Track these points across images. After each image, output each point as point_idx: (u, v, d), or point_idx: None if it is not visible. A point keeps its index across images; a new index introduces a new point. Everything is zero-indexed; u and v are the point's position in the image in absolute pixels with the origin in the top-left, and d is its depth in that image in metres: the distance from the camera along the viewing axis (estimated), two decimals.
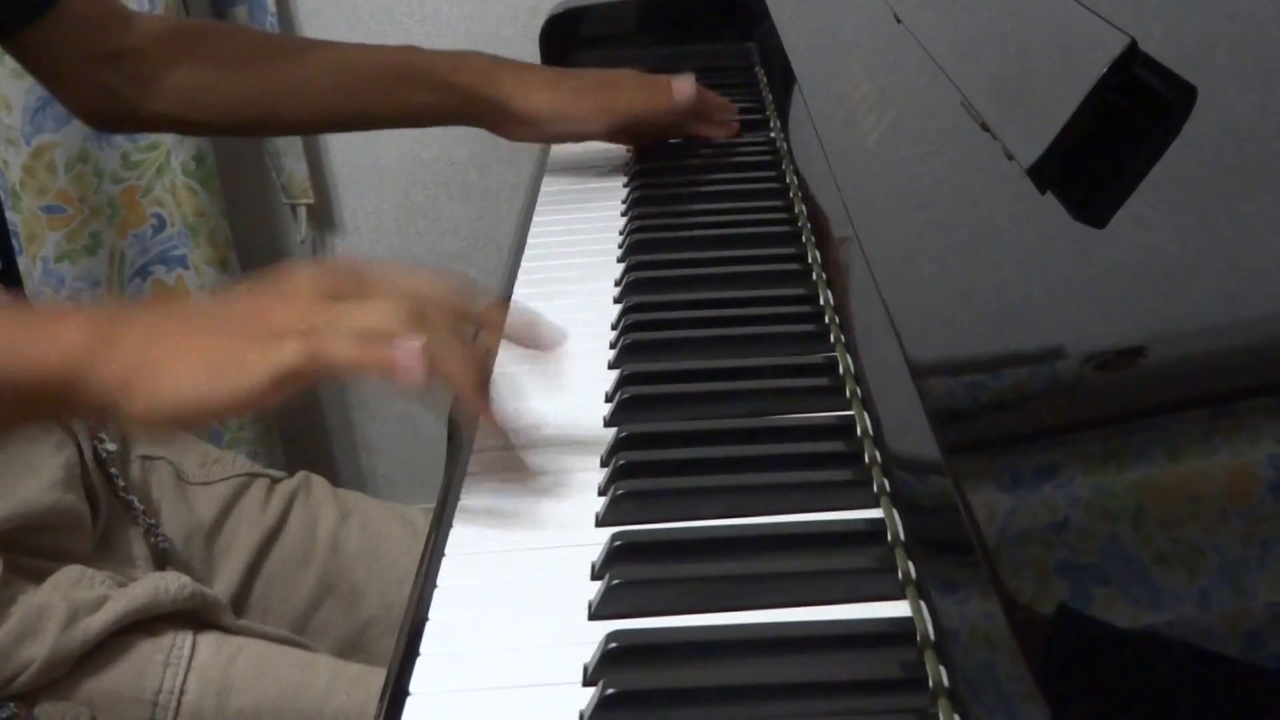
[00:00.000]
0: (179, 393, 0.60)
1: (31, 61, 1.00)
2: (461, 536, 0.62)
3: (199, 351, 0.60)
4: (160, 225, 1.75)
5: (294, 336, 0.59)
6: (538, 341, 0.67)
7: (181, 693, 0.80)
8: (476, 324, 0.65)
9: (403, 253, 1.89)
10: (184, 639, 0.82)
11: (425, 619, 0.57)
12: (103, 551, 0.89)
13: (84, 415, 0.64)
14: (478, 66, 1.03)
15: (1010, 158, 0.62)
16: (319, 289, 0.62)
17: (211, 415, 0.64)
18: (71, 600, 0.79)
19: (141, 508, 0.92)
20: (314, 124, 1.26)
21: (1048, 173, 0.58)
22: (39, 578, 0.81)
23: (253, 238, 1.88)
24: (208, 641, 0.83)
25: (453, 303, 0.64)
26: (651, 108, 1.06)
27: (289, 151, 1.79)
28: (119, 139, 1.71)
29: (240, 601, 0.95)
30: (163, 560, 0.92)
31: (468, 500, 0.65)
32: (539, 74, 1.08)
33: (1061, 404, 0.51)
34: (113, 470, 0.92)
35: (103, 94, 1.02)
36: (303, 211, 1.86)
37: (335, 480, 1.07)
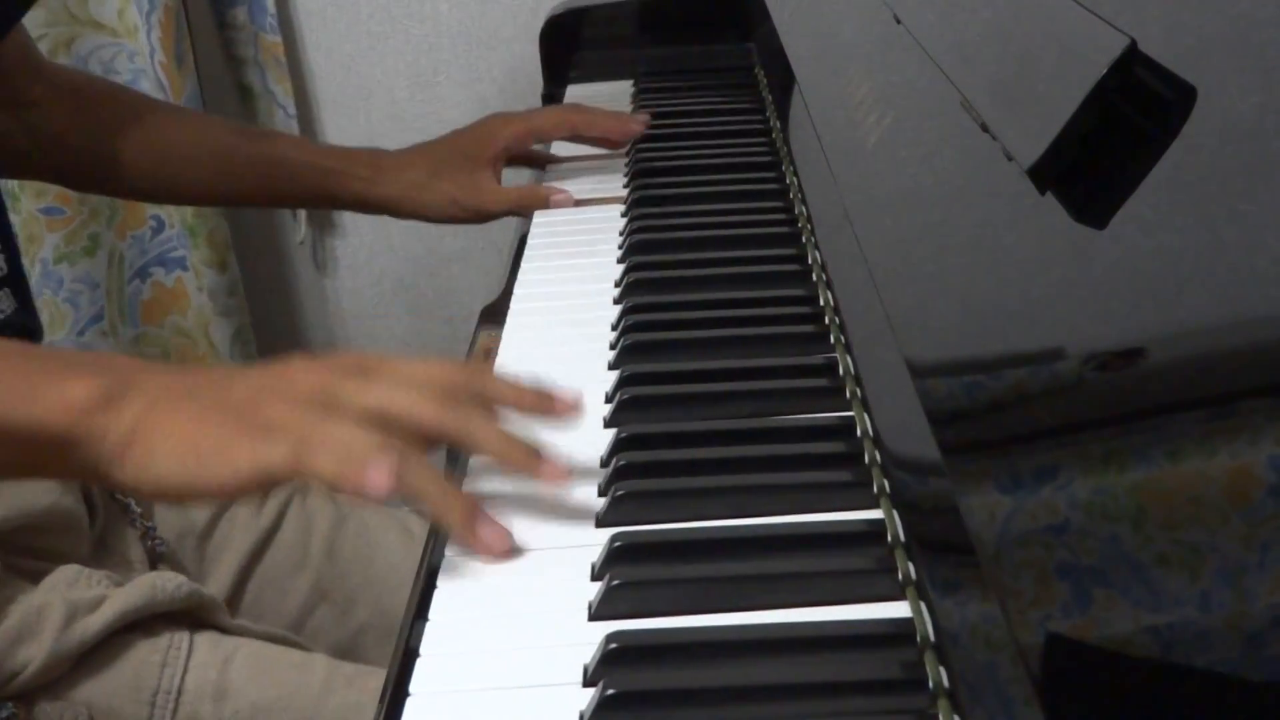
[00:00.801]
0: (167, 473, 0.61)
1: None
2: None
3: (192, 433, 0.61)
4: (159, 227, 1.75)
5: (283, 439, 0.60)
6: (553, 412, 0.66)
7: (179, 692, 0.80)
8: (493, 402, 0.65)
9: (403, 253, 1.89)
10: (181, 638, 0.82)
11: (425, 619, 0.57)
12: (99, 554, 0.89)
13: (74, 475, 0.63)
14: (357, 172, 1.08)
15: (1010, 158, 0.62)
16: (321, 388, 0.62)
17: (194, 498, 0.65)
18: (69, 600, 0.79)
19: (139, 510, 0.92)
20: (192, 197, 1.29)
21: (1048, 173, 0.58)
22: (36, 578, 0.81)
23: (252, 239, 1.88)
24: (204, 641, 0.83)
25: (464, 386, 0.64)
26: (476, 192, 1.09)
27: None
28: None
29: (233, 605, 0.95)
30: (158, 562, 0.92)
31: None
32: (392, 161, 1.10)
33: (1061, 405, 0.51)
34: None
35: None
36: (302, 213, 1.86)
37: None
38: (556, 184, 1.08)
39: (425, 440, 0.62)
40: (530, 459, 0.62)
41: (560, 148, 1.17)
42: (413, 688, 0.53)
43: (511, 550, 0.60)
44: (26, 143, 1.03)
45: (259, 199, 1.18)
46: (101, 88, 1.11)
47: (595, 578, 0.58)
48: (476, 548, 0.60)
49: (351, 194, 1.09)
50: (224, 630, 0.85)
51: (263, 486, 0.61)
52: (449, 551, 0.61)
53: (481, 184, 1.07)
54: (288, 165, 1.09)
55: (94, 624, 0.78)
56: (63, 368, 0.64)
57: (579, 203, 1.05)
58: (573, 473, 0.64)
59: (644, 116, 1.14)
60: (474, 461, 0.68)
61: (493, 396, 0.65)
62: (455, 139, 1.10)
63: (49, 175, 1.15)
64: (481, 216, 1.09)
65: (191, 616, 0.84)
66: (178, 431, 0.61)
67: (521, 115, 1.13)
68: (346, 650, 0.97)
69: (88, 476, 0.64)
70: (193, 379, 0.64)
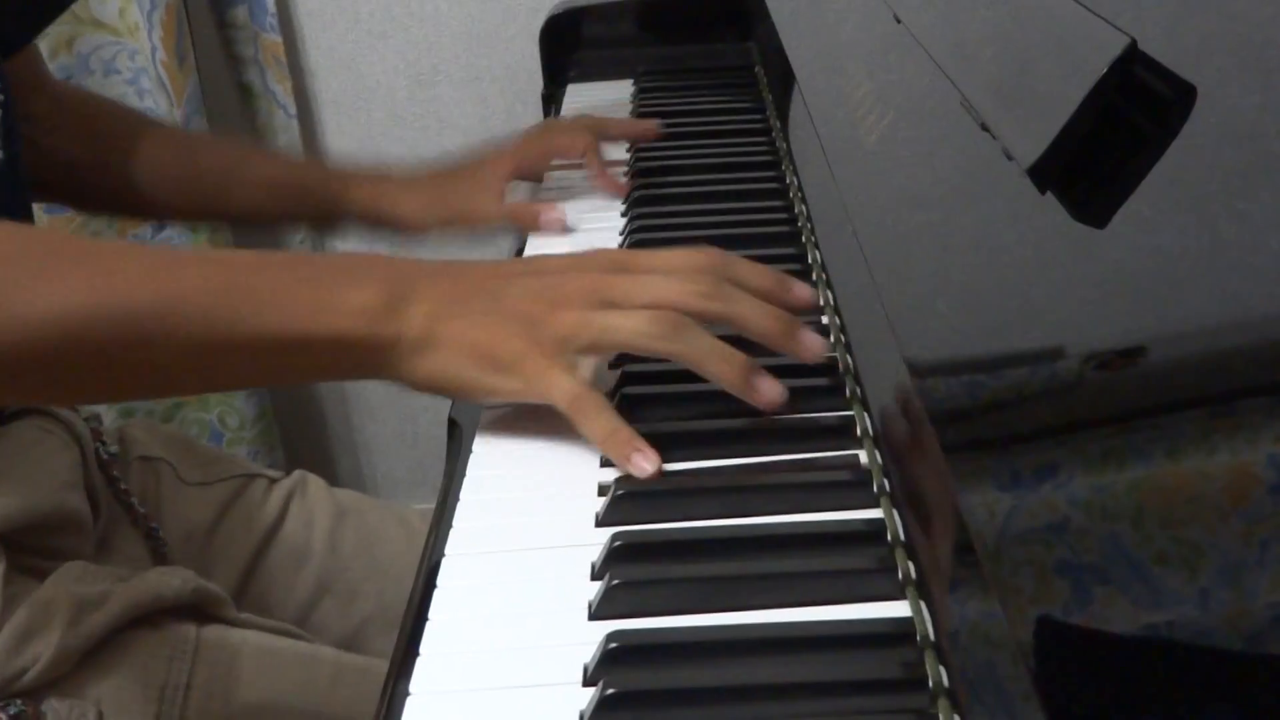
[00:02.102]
0: (461, 377, 0.66)
1: None
2: (461, 536, 0.62)
3: (485, 341, 0.66)
4: (161, 225, 1.75)
5: (567, 380, 0.65)
6: (790, 296, 0.70)
7: (188, 687, 0.80)
8: (742, 282, 0.69)
9: (402, 253, 1.88)
10: (188, 632, 0.82)
11: (425, 619, 0.57)
12: (102, 553, 0.89)
13: (365, 375, 0.67)
14: (359, 194, 1.08)
15: (1010, 158, 0.62)
16: (594, 289, 0.67)
17: (483, 397, 0.69)
18: (76, 596, 0.79)
19: (143, 511, 0.92)
20: (194, 216, 1.31)
21: (1048, 173, 0.58)
22: (42, 576, 0.81)
23: (253, 239, 1.88)
24: (212, 634, 0.83)
25: (719, 269, 0.68)
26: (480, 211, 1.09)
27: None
28: None
29: (237, 601, 0.96)
30: (161, 560, 0.92)
31: (468, 500, 0.65)
32: (400, 182, 1.09)
33: (1061, 404, 0.51)
34: (115, 473, 0.92)
35: None
36: None
37: (335, 480, 1.07)
38: (556, 180, 1.08)
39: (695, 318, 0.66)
40: (790, 332, 0.68)
41: None
42: (413, 687, 0.53)
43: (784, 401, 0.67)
44: (31, 159, 1.03)
45: (262, 218, 1.17)
46: (105, 107, 1.12)
47: (595, 577, 0.58)
48: (758, 401, 0.66)
49: (357, 211, 1.08)
50: (230, 624, 0.85)
51: (548, 400, 0.65)
52: (449, 550, 0.61)
53: (477, 204, 1.06)
54: (290, 187, 1.09)
55: (101, 619, 0.78)
56: (346, 275, 0.67)
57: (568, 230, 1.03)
58: (827, 345, 0.69)
59: (655, 123, 1.13)
60: (474, 462, 0.68)
61: (742, 278, 0.69)
62: (462, 163, 1.09)
63: (57, 196, 1.15)
64: (473, 231, 1.09)
65: (198, 611, 0.84)
66: (470, 339, 0.66)
67: (540, 136, 1.11)
68: (350, 642, 0.97)
69: (382, 377, 0.68)
70: (465, 283, 0.68)
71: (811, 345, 0.68)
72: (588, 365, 0.69)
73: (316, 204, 1.08)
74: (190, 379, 0.69)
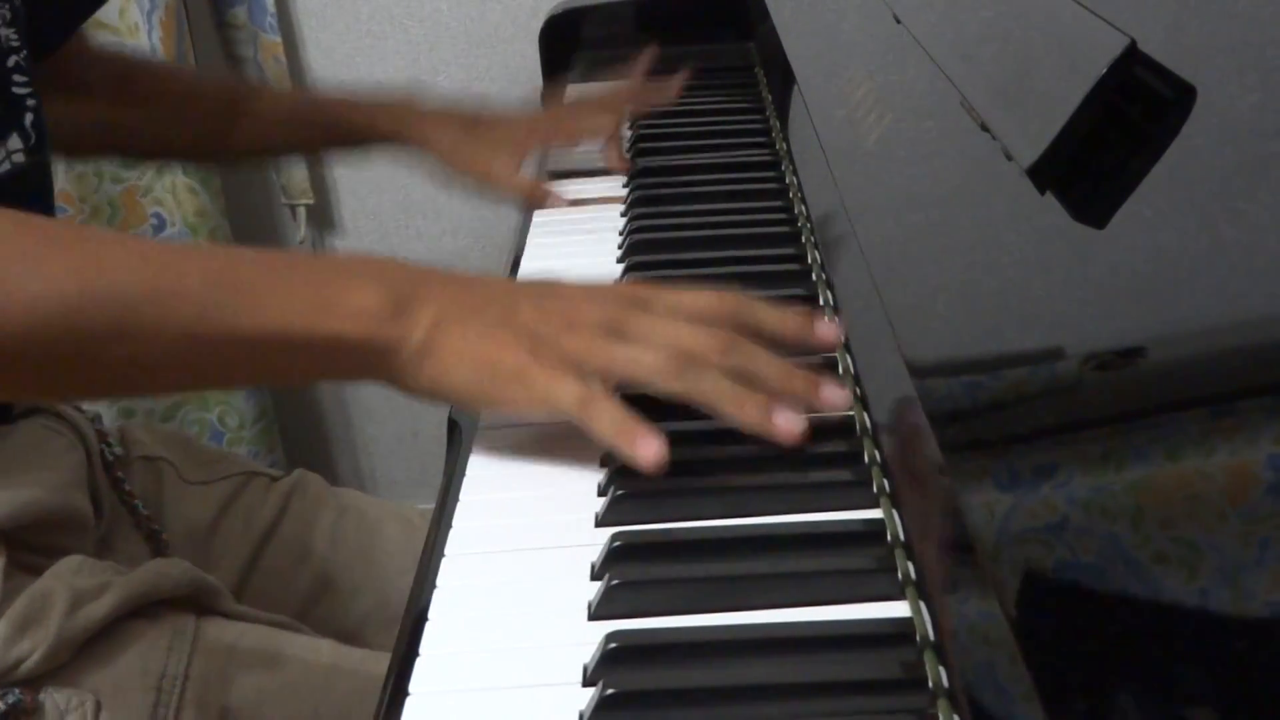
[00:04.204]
0: (463, 386, 0.65)
1: None
2: (461, 536, 0.62)
3: (489, 352, 0.64)
4: (160, 225, 1.75)
5: (574, 384, 0.63)
6: (814, 337, 0.69)
7: (186, 677, 0.80)
8: (762, 328, 0.67)
9: (403, 253, 1.89)
10: (186, 623, 0.82)
11: (425, 619, 0.57)
12: (102, 551, 0.89)
13: (368, 379, 0.66)
14: (394, 113, 1.10)
15: (1010, 158, 0.62)
16: (608, 320, 0.65)
17: (486, 407, 0.68)
18: (73, 587, 0.79)
19: (146, 512, 0.92)
20: (237, 158, 1.34)
21: (1048, 173, 0.58)
22: (41, 573, 0.81)
23: (252, 238, 1.89)
24: (210, 626, 0.83)
25: (736, 315, 0.67)
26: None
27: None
28: None
29: (238, 597, 0.96)
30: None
31: (468, 500, 0.65)
32: (447, 120, 1.11)
33: (1061, 404, 0.51)
34: (119, 474, 0.92)
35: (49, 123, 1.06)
36: (302, 211, 1.87)
37: (335, 480, 1.08)
38: (557, 180, 1.08)
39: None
40: (811, 391, 0.66)
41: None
42: (412, 687, 0.53)
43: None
44: (80, 125, 1.07)
45: (300, 151, 1.23)
46: (146, 66, 1.16)
47: (595, 577, 0.58)
48: (780, 438, 0.64)
49: (388, 135, 1.10)
50: (229, 616, 0.85)
51: (549, 416, 0.64)
52: (449, 550, 0.61)
53: (497, 167, 1.08)
54: (324, 117, 1.12)
55: (98, 610, 0.78)
56: (350, 276, 0.66)
57: (576, 203, 1.05)
58: (849, 396, 0.67)
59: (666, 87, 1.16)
60: (474, 462, 0.68)
61: (763, 325, 0.67)
62: (491, 118, 1.11)
63: (104, 153, 1.20)
64: (481, 190, 1.11)
65: (196, 602, 0.84)
66: (473, 349, 0.64)
67: (571, 118, 1.14)
68: (350, 639, 0.97)
69: (381, 380, 0.67)
70: (476, 293, 0.67)
71: (832, 399, 0.66)
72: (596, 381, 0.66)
73: (345, 131, 1.11)
74: (184, 374, 0.68)
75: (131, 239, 0.88)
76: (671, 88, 1.16)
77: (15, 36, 0.85)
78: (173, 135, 1.11)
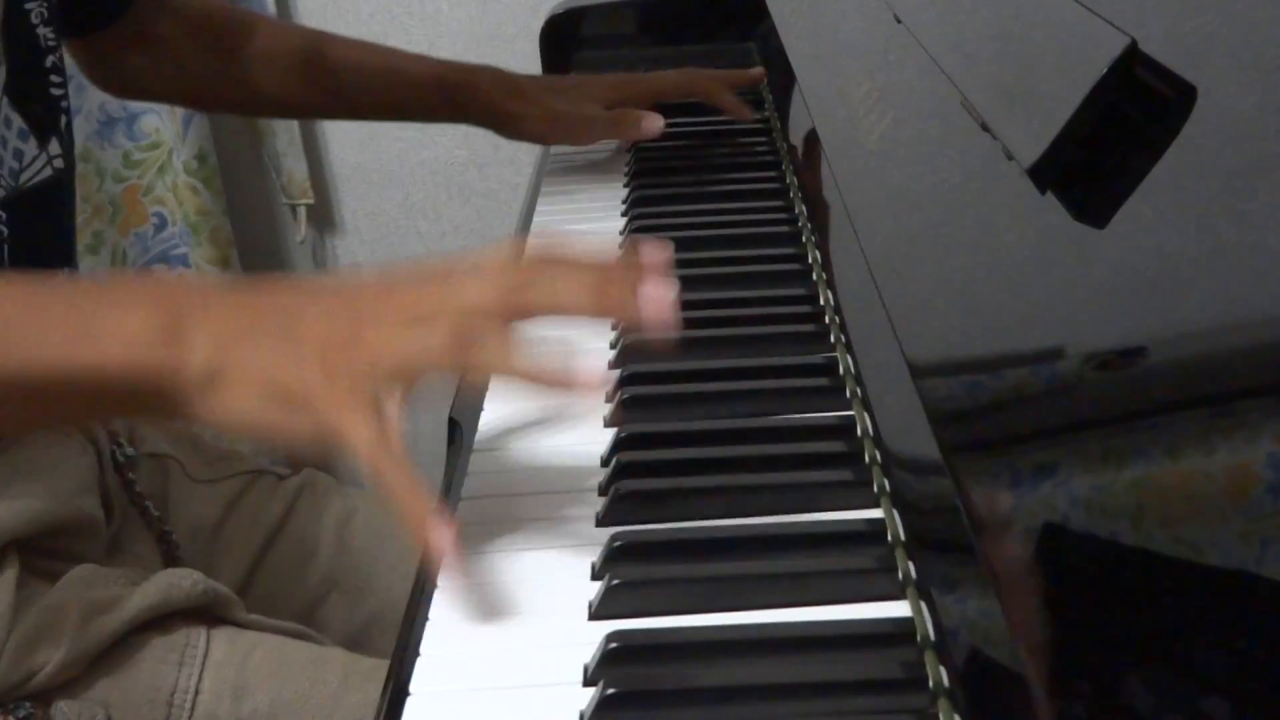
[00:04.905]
0: (252, 417, 0.59)
1: (71, 41, 1.04)
2: (462, 536, 0.62)
3: (274, 376, 0.58)
4: (161, 224, 1.75)
5: (366, 421, 0.57)
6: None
7: (196, 692, 0.80)
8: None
9: (403, 253, 1.89)
10: (198, 636, 0.82)
11: (425, 619, 0.57)
12: (113, 554, 0.88)
13: (155, 414, 0.61)
14: (484, 84, 1.10)
15: (1010, 158, 0.62)
16: (401, 312, 0.59)
17: (280, 440, 0.61)
18: (86, 600, 0.79)
19: (157, 514, 0.92)
20: (315, 112, 1.39)
21: (1048, 173, 0.58)
22: (53, 579, 0.81)
23: (253, 237, 1.89)
24: (221, 638, 0.83)
25: (544, 256, 0.61)
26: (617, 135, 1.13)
27: (289, 152, 1.79)
28: (120, 139, 1.71)
29: (244, 596, 0.95)
30: (172, 560, 0.92)
31: (468, 500, 0.65)
32: (539, 86, 1.12)
33: (1061, 404, 0.51)
34: (130, 476, 0.92)
35: (128, 73, 1.09)
36: (302, 211, 1.86)
37: (338, 478, 1.07)
38: (557, 180, 1.08)
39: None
40: (616, 294, 0.60)
41: (560, 148, 1.17)
42: (413, 687, 0.53)
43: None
44: (157, 75, 1.09)
45: (384, 114, 1.22)
46: (226, 15, 1.15)
47: (595, 577, 0.58)
48: (582, 385, 0.57)
49: (480, 107, 1.11)
50: (240, 625, 0.85)
51: (344, 445, 0.58)
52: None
53: (588, 109, 1.10)
54: (409, 77, 1.12)
55: (111, 624, 0.78)
56: (114, 300, 0.61)
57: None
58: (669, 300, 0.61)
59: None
60: (474, 462, 0.68)
61: (561, 260, 0.61)
62: (586, 80, 1.14)
63: (177, 99, 1.24)
64: (574, 138, 1.12)
65: (207, 613, 0.84)
66: (258, 370, 0.58)
67: (646, 80, 1.15)
68: (357, 639, 0.97)
69: (165, 415, 0.62)
70: (261, 304, 0.61)
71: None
72: (393, 402, 0.59)
73: (451, 100, 1.11)
74: None
75: None
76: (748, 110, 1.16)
77: (52, 35, 0.84)
78: (263, 85, 1.11)
